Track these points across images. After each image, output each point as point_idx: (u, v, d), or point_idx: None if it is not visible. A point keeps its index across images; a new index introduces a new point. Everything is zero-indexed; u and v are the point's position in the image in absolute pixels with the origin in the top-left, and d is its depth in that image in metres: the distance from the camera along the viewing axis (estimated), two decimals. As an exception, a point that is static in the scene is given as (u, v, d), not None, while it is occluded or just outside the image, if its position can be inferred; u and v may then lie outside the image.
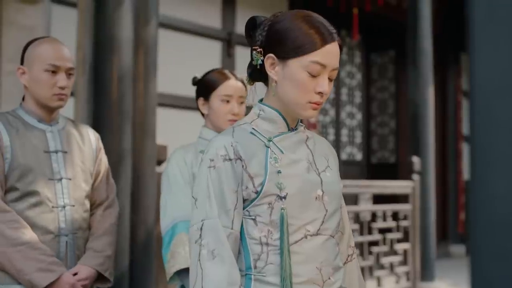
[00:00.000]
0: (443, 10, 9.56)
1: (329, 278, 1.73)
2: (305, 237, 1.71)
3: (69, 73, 2.53)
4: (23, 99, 2.60)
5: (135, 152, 3.99)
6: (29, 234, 2.37)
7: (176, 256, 2.55)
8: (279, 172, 1.71)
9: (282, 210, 1.68)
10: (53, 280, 2.35)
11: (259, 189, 1.71)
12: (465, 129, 10.18)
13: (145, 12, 4.14)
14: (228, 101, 2.71)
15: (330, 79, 1.76)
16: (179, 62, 6.55)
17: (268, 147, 1.75)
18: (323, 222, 1.74)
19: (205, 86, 2.80)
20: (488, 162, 0.83)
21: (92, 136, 2.70)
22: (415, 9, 7.01)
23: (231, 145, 1.73)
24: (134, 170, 3.98)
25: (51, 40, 2.59)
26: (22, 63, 2.55)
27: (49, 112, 2.55)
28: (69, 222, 2.49)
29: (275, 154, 1.74)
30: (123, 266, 3.77)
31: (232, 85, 2.74)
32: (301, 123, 1.86)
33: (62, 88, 2.49)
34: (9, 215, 2.36)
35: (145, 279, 4.01)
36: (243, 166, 1.72)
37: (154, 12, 4.21)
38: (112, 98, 3.89)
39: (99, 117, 3.86)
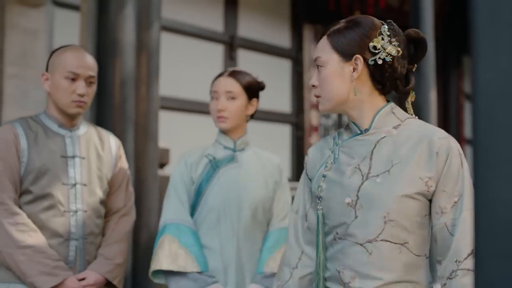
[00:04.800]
0: (445, 13, 9.56)
1: (350, 282, 1.76)
2: (335, 239, 1.81)
3: (90, 81, 2.58)
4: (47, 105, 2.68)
5: (137, 155, 4.00)
6: (36, 237, 2.39)
7: (155, 257, 2.57)
8: (323, 176, 1.82)
9: (318, 211, 1.82)
10: (56, 284, 2.36)
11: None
12: (467, 131, 10.17)
13: (148, 15, 4.15)
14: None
15: None
16: (181, 65, 6.56)
17: (332, 151, 1.84)
18: (349, 227, 1.77)
19: None
20: (491, 165, 0.83)
21: (113, 144, 2.73)
22: (417, 12, 7.01)
23: (310, 152, 1.97)
24: (136, 173, 3.98)
25: (75, 48, 2.65)
26: (46, 69, 2.62)
27: (69, 118, 2.60)
28: (80, 227, 2.52)
29: (331, 159, 1.84)
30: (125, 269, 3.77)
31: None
32: (398, 122, 1.82)
33: (81, 95, 2.54)
34: (18, 218, 2.39)
35: (147, 282, 4.01)
36: (307, 169, 1.96)
37: (157, 16, 4.22)
38: (114, 101, 3.89)
39: (102, 120, 3.87)
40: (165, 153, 4.38)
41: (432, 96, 6.94)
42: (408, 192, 1.72)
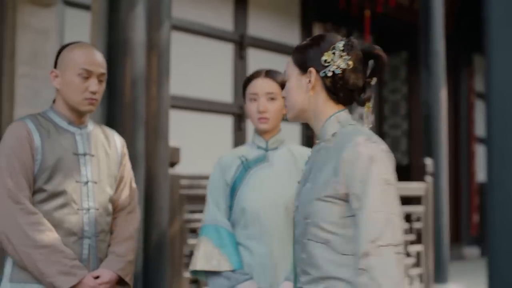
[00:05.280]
0: (455, 11, 9.52)
1: (300, 276, 2.01)
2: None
3: (100, 78, 2.57)
4: (53, 101, 2.64)
5: (148, 154, 4.01)
6: (52, 237, 2.40)
7: (193, 258, 2.66)
8: (298, 182, 2.10)
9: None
10: (74, 283, 2.38)
11: None
12: (477, 130, 10.13)
13: (158, 14, 4.15)
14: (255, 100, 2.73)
15: None
16: (191, 64, 6.57)
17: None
18: (295, 228, 2.02)
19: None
20: (505, 164, 0.83)
21: (118, 142, 2.73)
22: (427, 10, 6.99)
23: None
24: (147, 172, 3.99)
25: (85, 45, 2.62)
26: (55, 66, 2.58)
27: (79, 115, 2.59)
28: (93, 225, 2.53)
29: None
30: (136, 268, 3.78)
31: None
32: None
33: (93, 93, 2.53)
34: (34, 217, 2.40)
35: (158, 281, 4.02)
36: None
37: (167, 15, 4.22)
38: (125, 100, 3.90)
39: (113, 119, 3.88)
40: (176, 152, 4.38)
41: (443, 95, 6.92)
42: (320, 195, 1.87)
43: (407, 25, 8.77)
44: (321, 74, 1.92)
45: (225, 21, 7.11)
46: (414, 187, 6.20)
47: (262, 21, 7.54)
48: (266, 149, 2.71)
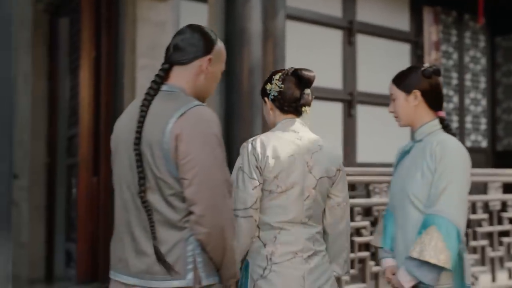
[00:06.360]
0: None
1: None
2: None
3: None
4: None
5: (265, 142, 4.09)
6: None
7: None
8: None
9: None
10: None
11: None
12: None
13: (274, 4, 4.22)
14: None
15: None
16: (302, 52, 6.61)
17: None
18: None
19: None
20: None
21: None
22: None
23: None
24: (265, 159, 4.07)
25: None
26: (207, 53, 2.26)
27: None
28: None
29: None
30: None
31: None
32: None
33: None
34: None
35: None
36: None
37: (282, 4, 4.29)
38: (243, 90, 4.00)
39: (231, 108, 3.98)
40: (292, 139, 4.46)
41: None
42: None
43: (522, 5, 8.44)
44: (269, 97, 2.58)
45: (334, 8, 7.10)
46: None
47: (371, 6, 7.46)
48: (414, 141, 2.75)
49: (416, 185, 2.59)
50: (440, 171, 2.51)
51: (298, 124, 2.53)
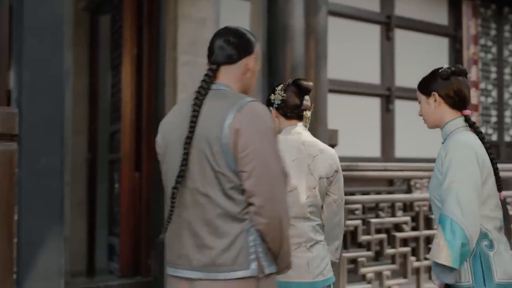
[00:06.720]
0: None
1: None
2: None
3: None
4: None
5: (308, 137, 4.11)
6: None
7: None
8: None
9: None
10: None
11: None
12: None
13: (315, 0, 4.24)
14: None
15: None
16: (341, 47, 6.61)
17: None
18: None
19: None
20: None
21: None
22: None
23: None
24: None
25: None
26: (251, 52, 2.36)
27: None
28: None
29: None
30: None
31: None
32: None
33: None
34: None
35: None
36: None
37: (324, 0, 4.30)
38: (286, 86, 4.02)
39: (274, 104, 4.01)
40: (334, 134, 4.47)
41: None
42: None
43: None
44: (274, 106, 2.86)
45: (372, 2, 7.08)
46: None
47: (409, 1, 7.43)
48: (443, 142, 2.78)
49: (435, 185, 2.64)
50: (445, 170, 2.53)
51: (300, 128, 2.84)
